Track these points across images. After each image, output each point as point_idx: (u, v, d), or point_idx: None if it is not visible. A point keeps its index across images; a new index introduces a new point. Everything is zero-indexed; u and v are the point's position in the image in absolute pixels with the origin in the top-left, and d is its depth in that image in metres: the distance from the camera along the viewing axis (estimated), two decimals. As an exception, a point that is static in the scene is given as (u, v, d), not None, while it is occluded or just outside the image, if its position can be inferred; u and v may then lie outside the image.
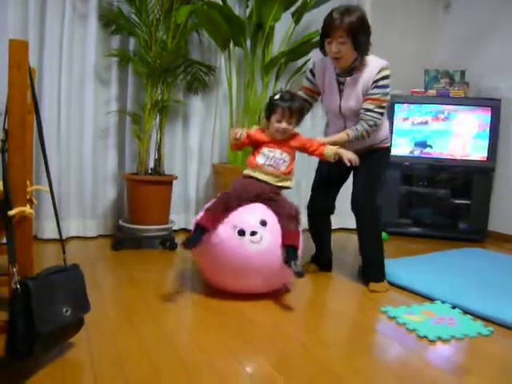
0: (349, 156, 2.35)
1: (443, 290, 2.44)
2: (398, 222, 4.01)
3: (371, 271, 2.60)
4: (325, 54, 2.43)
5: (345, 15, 2.25)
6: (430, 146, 3.97)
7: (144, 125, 3.17)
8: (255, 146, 2.41)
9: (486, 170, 3.91)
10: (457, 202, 3.97)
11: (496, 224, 4.04)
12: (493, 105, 3.86)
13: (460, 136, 3.93)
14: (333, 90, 2.49)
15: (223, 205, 2.24)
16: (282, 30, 3.53)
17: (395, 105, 3.94)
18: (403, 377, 1.59)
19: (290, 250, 2.19)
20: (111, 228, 3.39)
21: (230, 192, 2.31)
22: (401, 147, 3.97)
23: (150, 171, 3.22)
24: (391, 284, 2.59)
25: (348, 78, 2.42)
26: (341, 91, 2.46)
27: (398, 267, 2.76)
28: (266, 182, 2.34)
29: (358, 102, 2.42)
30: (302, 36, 3.46)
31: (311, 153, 2.43)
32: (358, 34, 2.28)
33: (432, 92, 4.03)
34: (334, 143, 2.46)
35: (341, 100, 2.47)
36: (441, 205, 4.00)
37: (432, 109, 3.95)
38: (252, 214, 2.23)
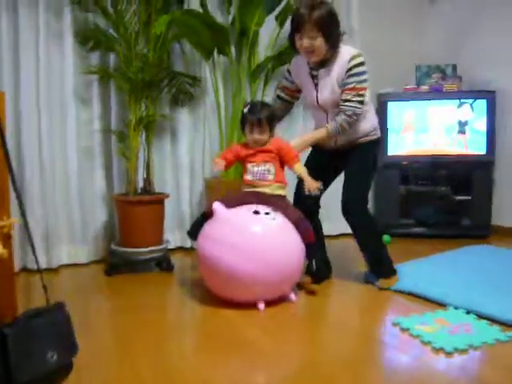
0: (309, 185, 2.34)
1: (455, 295, 2.34)
2: (400, 222, 3.90)
3: (377, 268, 2.60)
4: (295, 49, 2.41)
5: (313, 9, 2.24)
6: (427, 144, 3.87)
7: (130, 143, 3.05)
8: (241, 161, 2.49)
9: (486, 163, 3.80)
10: (458, 198, 3.85)
11: (499, 218, 3.92)
12: (488, 97, 3.76)
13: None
14: (308, 84, 2.50)
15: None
16: (267, 35, 3.42)
17: (388, 103, 3.84)
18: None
19: (310, 248, 2.39)
20: (103, 253, 3.25)
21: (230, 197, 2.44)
22: (397, 146, 3.87)
23: (139, 191, 3.10)
24: (400, 292, 2.49)
25: (321, 71, 2.42)
26: (316, 84, 2.46)
27: (405, 273, 2.65)
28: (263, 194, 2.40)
29: (334, 94, 2.40)
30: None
31: (284, 162, 2.45)
32: (329, 27, 2.28)
33: (425, 88, 3.92)
34: (314, 140, 2.47)
35: (317, 92, 2.46)
36: (442, 202, 3.88)
37: (426, 105, 3.86)
38: (261, 207, 2.36)
